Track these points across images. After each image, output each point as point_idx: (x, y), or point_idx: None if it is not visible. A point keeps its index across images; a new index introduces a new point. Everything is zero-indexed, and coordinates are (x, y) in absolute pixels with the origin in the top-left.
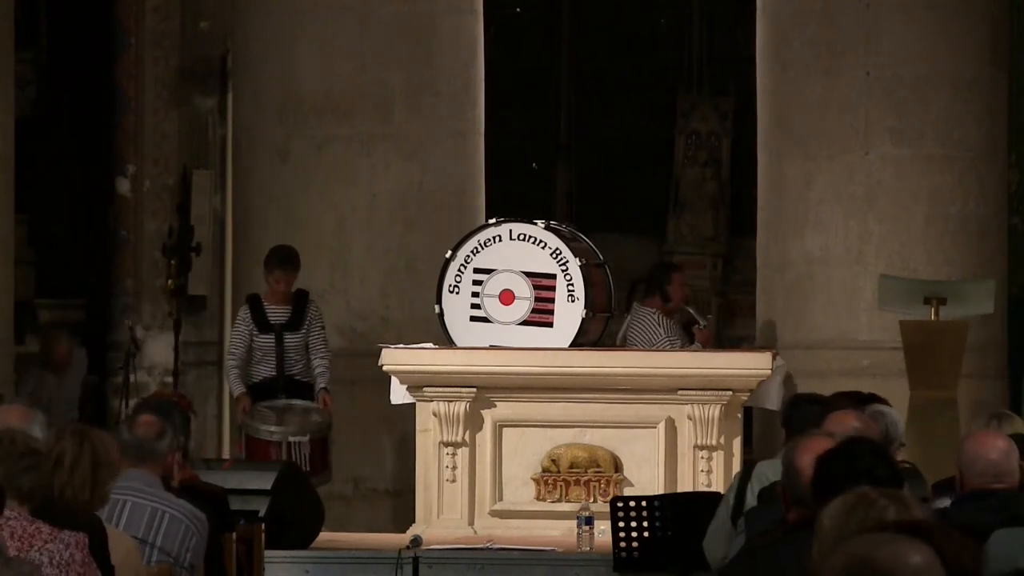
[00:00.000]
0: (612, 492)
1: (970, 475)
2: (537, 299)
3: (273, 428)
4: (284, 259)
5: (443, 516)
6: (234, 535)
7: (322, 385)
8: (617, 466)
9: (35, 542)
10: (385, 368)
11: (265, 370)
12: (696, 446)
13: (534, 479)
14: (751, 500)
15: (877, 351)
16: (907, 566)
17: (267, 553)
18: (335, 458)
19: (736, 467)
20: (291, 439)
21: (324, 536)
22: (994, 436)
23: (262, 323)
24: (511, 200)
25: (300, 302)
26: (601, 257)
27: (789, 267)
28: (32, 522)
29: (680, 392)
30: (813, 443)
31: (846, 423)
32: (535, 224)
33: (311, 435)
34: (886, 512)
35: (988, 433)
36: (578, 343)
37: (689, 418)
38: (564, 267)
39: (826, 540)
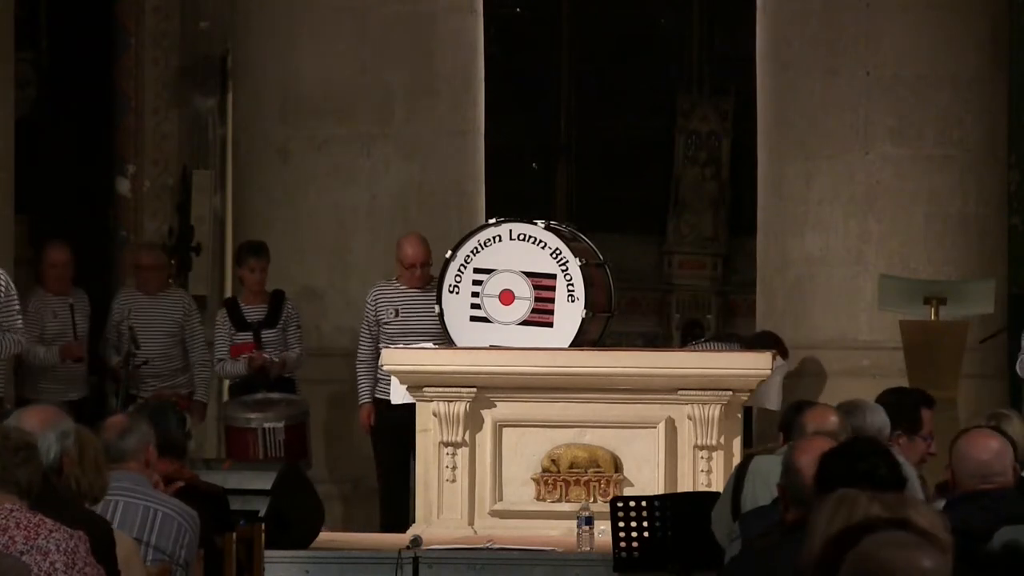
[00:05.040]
0: (612, 492)
1: (963, 476)
2: (537, 299)
3: (248, 416)
4: (254, 248)
5: (443, 516)
6: (234, 535)
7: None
8: (617, 466)
9: (41, 531)
10: (385, 368)
11: (244, 367)
12: (696, 446)
13: (534, 479)
14: (748, 495)
15: (877, 351)
16: (917, 569)
17: (267, 553)
18: (336, 457)
19: None
20: (266, 425)
21: (324, 536)
22: (986, 436)
23: (239, 322)
24: (511, 200)
25: (277, 300)
26: (601, 257)
27: (789, 267)
28: (35, 514)
29: (680, 392)
30: (813, 443)
31: (825, 419)
32: (535, 224)
33: (286, 422)
34: (870, 511)
35: (980, 433)
36: (578, 343)
37: (689, 418)
38: (564, 267)
39: (812, 539)
